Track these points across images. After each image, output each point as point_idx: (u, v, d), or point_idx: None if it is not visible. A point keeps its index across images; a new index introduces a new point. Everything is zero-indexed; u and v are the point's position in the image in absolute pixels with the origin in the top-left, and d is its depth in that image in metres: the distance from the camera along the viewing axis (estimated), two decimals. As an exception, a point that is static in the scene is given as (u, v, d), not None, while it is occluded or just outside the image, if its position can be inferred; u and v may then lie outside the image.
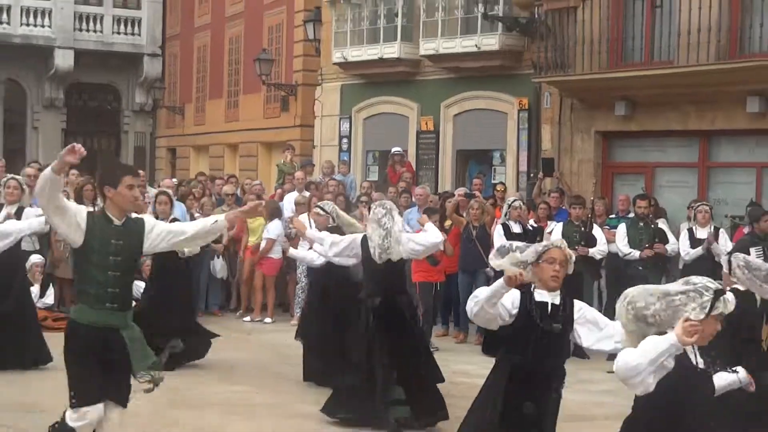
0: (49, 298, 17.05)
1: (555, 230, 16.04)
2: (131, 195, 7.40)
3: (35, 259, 16.89)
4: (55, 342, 15.22)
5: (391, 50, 22.74)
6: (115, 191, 7.31)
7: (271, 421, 11.10)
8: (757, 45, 17.09)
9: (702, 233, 15.64)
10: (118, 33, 35.80)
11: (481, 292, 6.98)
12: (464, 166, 22.30)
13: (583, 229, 15.94)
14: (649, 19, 18.32)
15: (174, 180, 22.48)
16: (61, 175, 6.92)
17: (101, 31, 35.47)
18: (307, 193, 18.55)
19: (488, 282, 13.81)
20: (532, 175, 20.09)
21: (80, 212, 7.29)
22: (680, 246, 15.79)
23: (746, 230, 15.64)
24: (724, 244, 15.43)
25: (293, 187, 19.82)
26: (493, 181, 20.60)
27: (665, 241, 15.93)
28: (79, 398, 7.36)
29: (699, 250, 15.28)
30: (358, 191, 21.08)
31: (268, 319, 18.20)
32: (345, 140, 24.80)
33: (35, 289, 16.81)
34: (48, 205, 7.12)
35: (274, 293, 18.44)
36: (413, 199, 18.30)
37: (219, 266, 18.94)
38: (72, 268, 15.12)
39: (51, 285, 17.21)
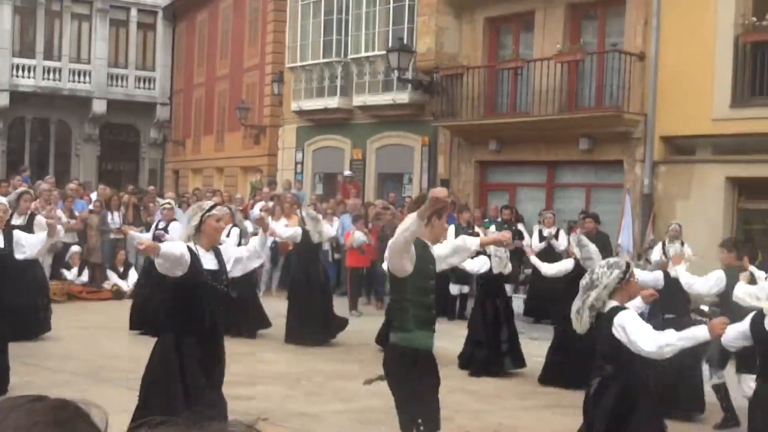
0: (84, 276, 16.90)
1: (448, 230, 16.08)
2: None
3: (75, 248, 16.71)
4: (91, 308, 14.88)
5: (333, 102, 22.66)
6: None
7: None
8: (587, 101, 17.25)
9: (547, 232, 15.87)
10: (139, 87, 35.39)
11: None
12: (383, 184, 22.26)
13: (471, 229, 16.07)
14: (513, 82, 18.39)
15: (171, 194, 22.10)
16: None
17: (126, 86, 35.04)
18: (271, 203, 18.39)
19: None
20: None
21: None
22: (532, 241, 15.95)
23: (578, 231, 15.76)
24: (563, 240, 15.64)
25: (261, 198, 19.80)
26: (403, 195, 20.60)
27: (522, 238, 16.06)
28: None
29: (544, 244, 15.48)
30: (307, 201, 21.10)
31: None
32: (299, 166, 24.68)
33: (74, 271, 16.60)
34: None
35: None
36: (347, 208, 18.35)
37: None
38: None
39: (86, 267, 17.07)
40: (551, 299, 13.81)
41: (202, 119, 32.59)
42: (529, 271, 15.99)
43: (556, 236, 15.88)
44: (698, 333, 5.51)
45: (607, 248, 14.48)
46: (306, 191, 23.14)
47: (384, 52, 20.18)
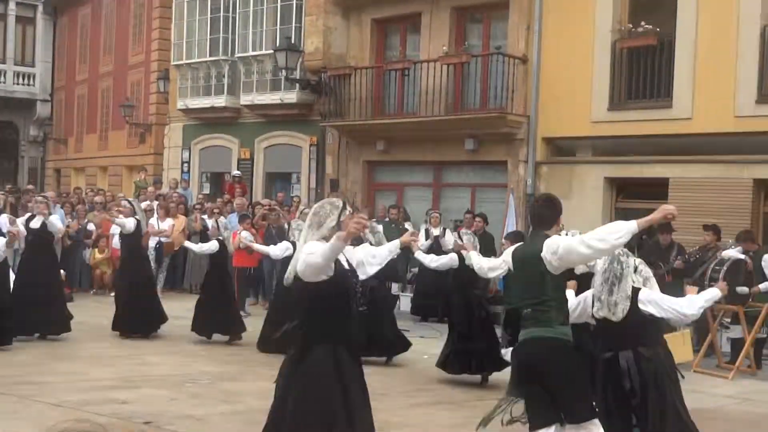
0: None
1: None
2: None
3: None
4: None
5: (220, 101, 22.37)
6: None
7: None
8: (472, 103, 17.50)
9: (434, 231, 16.02)
10: (18, 84, 34.21)
11: None
12: (271, 184, 22.09)
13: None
14: (400, 83, 18.50)
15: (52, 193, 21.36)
16: None
17: (5, 82, 33.84)
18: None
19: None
20: (319, 190, 20.09)
21: None
22: (420, 240, 16.08)
23: (464, 229, 16.00)
24: (449, 238, 15.78)
25: (146, 198, 19.37)
26: (291, 195, 20.49)
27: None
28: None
29: (429, 242, 15.64)
30: (194, 201, 20.86)
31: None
32: (186, 165, 24.24)
33: None
34: None
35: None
36: (234, 207, 18.20)
37: (87, 255, 18.40)
38: None
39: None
40: (441, 294, 14.22)
41: (85, 117, 31.71)
42: (415, 269, 16.14)
43: (443, 235, 16.06)
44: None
45: (490, 248, 14.78)
46: (193, 190, 22.82)
47: (271, 51, 20.05)
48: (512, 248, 6.25)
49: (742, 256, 11.83)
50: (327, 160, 20.24)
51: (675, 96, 14.35)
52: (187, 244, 14.91)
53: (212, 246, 13.24)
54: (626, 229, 5.37)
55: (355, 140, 19.58)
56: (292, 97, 20.43)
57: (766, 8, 13.47)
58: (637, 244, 13.87)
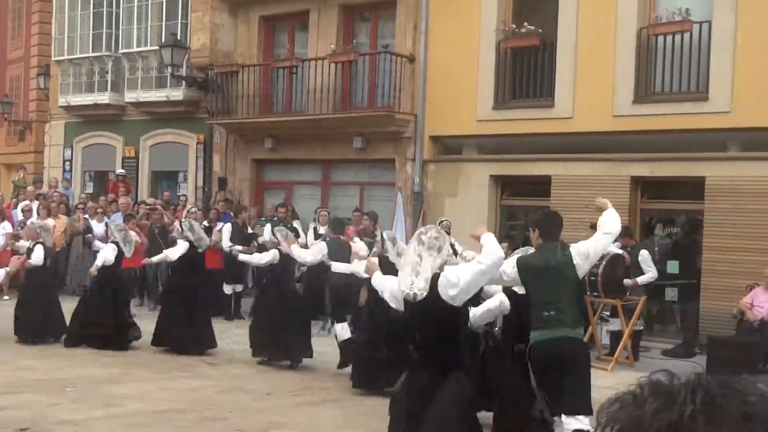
0: None
1: (224, 228, 15.92)
2: None
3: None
4: None
5: (103, 98, 21.76)
6: None
7: None
8: (360, 101, 17.52)
9: (322, 230, 15.93)
10: None
11: None
12: (157, 182, 21.64)
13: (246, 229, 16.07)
14: (288, 81, 18.38)
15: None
16: None
17: None
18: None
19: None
20: (206, 189, 19.80)
21: None
22: (307, 239, 16.01)
23: (352, 227, 16.02)
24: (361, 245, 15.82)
25: (26, 198, 18.74)
26: (178, 194, 20.11)
27: (298, 236, 16.07)
28: None
29: (320, 241, 15.51)
30: (76, 200, 20.25)
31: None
32: (68, 163, 23.50)
33: None
34: None
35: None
36: (119, 207, 17.79)
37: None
38: None
39: None
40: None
41: (-39, 114, 30.43)
42: (304, 268, 16.02)
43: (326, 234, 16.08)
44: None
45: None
46: (75, 190, 22.15)
47: (157, 48, 19.63)
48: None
49: (620, 251, 12.19)
50: (215, 158, 19.94)
51: (557, 95, 14.67)
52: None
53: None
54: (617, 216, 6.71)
55: (243, 138, 19.36)
56: (178, 94, 20.05)
57: (642, 11, 13.91)
58: (523, 243, 14.17)
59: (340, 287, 11.80)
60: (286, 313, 11.47)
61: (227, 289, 16.06)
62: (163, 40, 19.46)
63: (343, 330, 11.11)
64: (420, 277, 5.41)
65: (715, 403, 1.07)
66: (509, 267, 6.64)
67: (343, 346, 10.89)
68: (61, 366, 11.03)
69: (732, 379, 1.12)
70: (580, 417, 6.22)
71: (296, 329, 11.47)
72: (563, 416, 6.34)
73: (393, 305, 5.94)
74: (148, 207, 17.50)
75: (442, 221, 14.39)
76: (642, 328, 12.53)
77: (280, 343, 11.36)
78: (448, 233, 13.96)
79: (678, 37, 13.40)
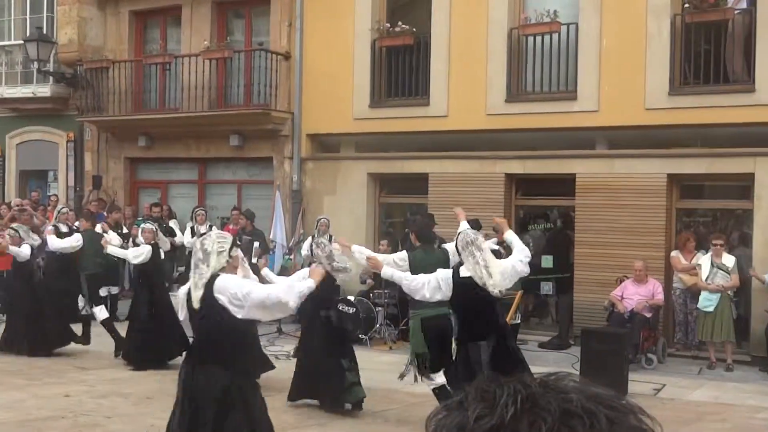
0: None
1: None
2: None
3: None
4: None
5: (-35, 94, 20.77)
6: None
7: None
8: (236, 99, 17.27)
9: (201, 229, 15.64)
10: None
11: None
12: (26, 182, 20.78)
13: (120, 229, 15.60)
14: (162, 77, 17.93)
15: None
16: None
17: None
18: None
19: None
20: (78, 189, 19.15)
21: None
22: (184, 238, 15.77)
23: (231, 226, 15.83)
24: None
25: None
26: (48, 194, 19.39)
27: (174, 235, 15.83)
28: None
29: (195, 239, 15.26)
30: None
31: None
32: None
33: None
34: None
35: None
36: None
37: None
38: None
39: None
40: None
41: None
42: (182, 268, 15.75)
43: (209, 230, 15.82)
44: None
45: (264, 244, 14.73)
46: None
47: (22, 42, 18.81)
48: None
49: (497, 247, 12.40)
50: (86, 156, 19.29)
51: (431, 94, 14.80)
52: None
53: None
54: None
55: (115, 136, 18.79)
56: (45, 90, 19.26)
57: (513, 11, 14.16)
58: (402, 238, 14.28)
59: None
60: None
61: (102, 291, 15.62)
62: (28, 34, 18.66)
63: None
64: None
65: (536, 404, 1.10)
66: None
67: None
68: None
69: (553, 380, 1.16)
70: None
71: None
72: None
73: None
74: (16, 207, 16.80)
75: (321, 219, 14.41)
76: (519, 321, 12.80)
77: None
78: (327, 230, 14.06)
79: (547, 37, 13.71)
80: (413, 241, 12.15)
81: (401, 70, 15.20)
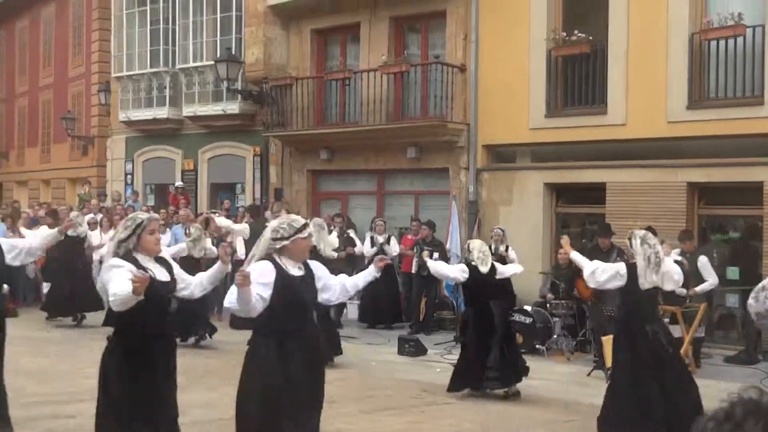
0: None
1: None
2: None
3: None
4: None
5: (162, 112, 22.05)
6: None
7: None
8: (413, 111, 17.48)
9: (380, 239, 15.97)
10: (-44, 96, 33.38)
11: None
12: (216, 194, 21.84)
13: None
14: (342, 93, 18.41)
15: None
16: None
17: (-58, 95, 33.02)
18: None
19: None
20: (264, 200, 19.90)
21: None
22: (364, 248, 16.04)
23: (410, 236, 16.02)
24: (394, 246, 15.85)
25: (90, 211, 19.13)
26: (237, 205, 20.26)
27: (353, 245, 16.14)
28: None
29: (375, 249, 15.57)
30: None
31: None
32: (129, 176, 23.90)
33: None
34: None
35: None
36: (179, 218, 18.04)
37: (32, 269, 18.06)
38: None
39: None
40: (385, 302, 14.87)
41: (26, 130, 31.06)
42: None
43: (388, 242, 16.04)
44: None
45: (443, 254, 14.84)
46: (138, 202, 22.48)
47: (212, 62, 19.80)
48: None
49: (680, 258, 11.95)
50: (271, 169, 20.06)
51: (609, 102, 14.47)
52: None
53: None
54: None
55: (298, 150, 19.43)
56: (234, 107, 20.21)
57: (694, 15, 13.64)
58: (579, 248, 13.99)
59: None
60: None
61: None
62: (218, 55, 19.63)
63: None
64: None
65: None
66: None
67: None
68: None
69: None
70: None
71: None
72: None
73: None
74: (202, 219, 17.58)
75: (495, 229, 14.35)
76: (703, 335, 12.28)
77: None
78: (503, 241, 13.99)
79: (731, 41, 13.12)
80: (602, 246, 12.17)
81: (578, 78, 14.93)
